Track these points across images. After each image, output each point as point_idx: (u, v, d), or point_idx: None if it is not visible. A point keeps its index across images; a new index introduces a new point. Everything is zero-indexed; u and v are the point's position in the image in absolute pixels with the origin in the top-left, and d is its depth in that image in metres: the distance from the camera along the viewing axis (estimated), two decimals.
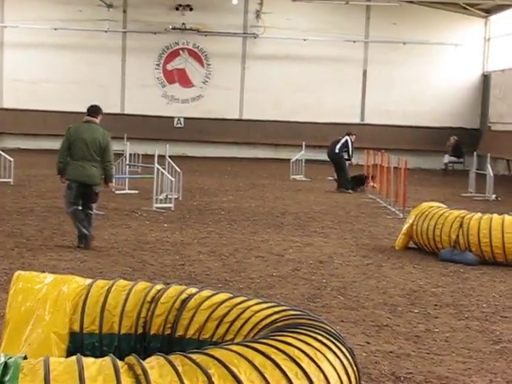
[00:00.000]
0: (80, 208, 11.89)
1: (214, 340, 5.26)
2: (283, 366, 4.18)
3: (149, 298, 5.62)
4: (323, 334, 4.74)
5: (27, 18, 33.72)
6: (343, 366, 4.56)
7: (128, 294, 5.65)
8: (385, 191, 19.47)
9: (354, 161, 23.22)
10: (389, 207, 18.21)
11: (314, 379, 4.22)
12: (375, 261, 11.63)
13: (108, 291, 5.66)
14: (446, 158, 31.39)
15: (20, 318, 5.53)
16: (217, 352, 4.20)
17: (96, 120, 11.84)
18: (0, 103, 34.71)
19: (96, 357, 4.11)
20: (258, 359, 4.17)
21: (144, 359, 4.07)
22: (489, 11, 34.07)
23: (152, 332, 5.52)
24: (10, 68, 34.34)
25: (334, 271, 10.71)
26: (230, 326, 5.27)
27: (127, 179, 19.79)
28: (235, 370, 4.03)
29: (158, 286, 5.79)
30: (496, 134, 32.59)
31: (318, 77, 34.53)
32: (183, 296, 5.59)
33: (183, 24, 34.48)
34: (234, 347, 4.31)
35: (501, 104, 32.61)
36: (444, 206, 13.08)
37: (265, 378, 4.06)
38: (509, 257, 11.44)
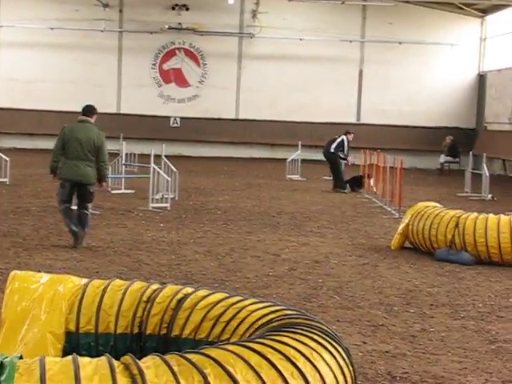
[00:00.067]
0: (72, 206, 11.94)
1: (209, 340, 5.27)
2: (279, 366, 4.18)
3: (145, 298, 5.62)
4: (319, 333, 4.75)
5: (23, 18, 33.68)
6: (339, 365, 4.56)
7: (124, 294, 5.65)
8: (381, 191, 19.48)
9: (350, 160, 23.23)
10: (385, 207, 18.22)
11: (309, 379, 4.23)
12: (371, 260, 11.64)
13: (104, 291, 5.66)
14: (442, 158, 31.41)
15: (16, 317, 5.52)
16: (213, 352, 4.20)
17: (91, 120, 11.85)
18: None
19: (92, 356, 4.11)
20: (254, 359, 4.18)
21: (140, 359, 4.07)
22: (485, 11, 34.10)
23: (148, 332, 5.52)
24: (5, 67, 34.28)
25: (330, 271, 10.72)
26: (225, 326, 5.27)
27: (123, 179, 19.78)
28: (231, 369, 4.03)
29: (154, 286, 5.79)
30: (492, 133, 32.63)
31: (314, 76, 34.54)
32: (179, 296, 5.59)
33: (179, 24, 34.47)
34: (230, 347, 4.31)
35: (497, 104, 32.64)
36: (440, 205, 13.09)
37: (261, 378, 4.06)
38: (504, 257, 11.45)
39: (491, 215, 11.82)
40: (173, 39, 34.90)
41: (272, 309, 5.26)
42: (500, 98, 32.27)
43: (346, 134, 22.92)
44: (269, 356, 4.22)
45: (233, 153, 34.51)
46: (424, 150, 34.22)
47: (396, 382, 6.25)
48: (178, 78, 35.12)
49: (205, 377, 3.94)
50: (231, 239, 13.01)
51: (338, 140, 22.71)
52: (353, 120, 34.56)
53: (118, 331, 5.54)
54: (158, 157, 17.26)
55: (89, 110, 11.94)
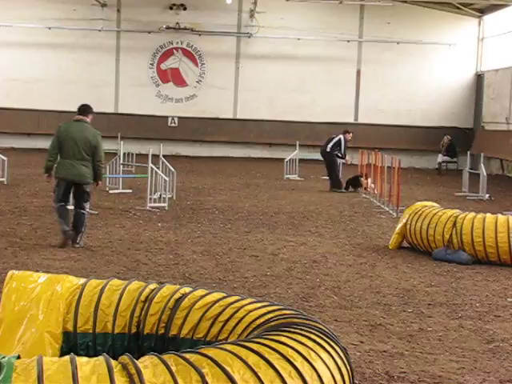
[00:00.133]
0: (67, 206, 11.97)
1: (207, 339, 5.27)
2: (277, 366, 4.19)
3: (142, 298, 5.62)
4: (317, 333, 4.75)
5: (21, 17, 33.65)
6: (337, 365, 4.57)
7: (122, 294, 5.65)
8: (378, 190, 19.49)
9: (348, 159, 23.23)
10: (382, 206, 18.23)
11: (307, 378, 4.23)
12: (369, 260, 11.64)
13: (102, 290, 5.66)
14: (440, 158, 31.42)
15: (13, 317, 5.52)
16: (210, 351, 4.20)
17: (87, 119, 11.85)
18: None
19: (90, 356, 4.11)
20: (252, 358, 4.18)
21: (138, 359, 4.07)
22: (482, 11, 34.11)
23: (146, 331, 5.53)
24: (3, 67, 34.24)
25: (328, 270, 10.72)
26: (223, 326, 5.27)
27: (121, 178, 19.78)
28: (229, 369, 4.03)
29: (152, 286, 5.79)
30: (489, 133, 32.65)
31: (312, 76, 34.54)
32: (177, 295, 5.59)
33: (177, 23, 34.46)
34: (228, 346, 4.31)
35: (494, 104, 32.67)
36: (437, 205, 13.10)
37: (258, 378, 4.06)
38: (502, 256, 11.46)
39: (489, 215, 11.83)
40: (170, 39, 34.89)
41: (270, 308, 5.27)
42: (497, 98, 32.29)
43: (344, 134, 22.92)
44: (267, 356, 4.22)
45: (230, 152, 34.52)
46: (422, 149, 34.25)
47: (394, 381, 6.25)
48: (176, 78, 35.10)
49: (202, 376, 3.94)
50: (229, 239, 13.01)
51: (335, 139, 22.72)
52: (350, 120, 34.56)
53: (116, 331, 5.54)
54: (155, 156, 17.25)
55: (84, 110, 11.94)
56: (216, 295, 5.57)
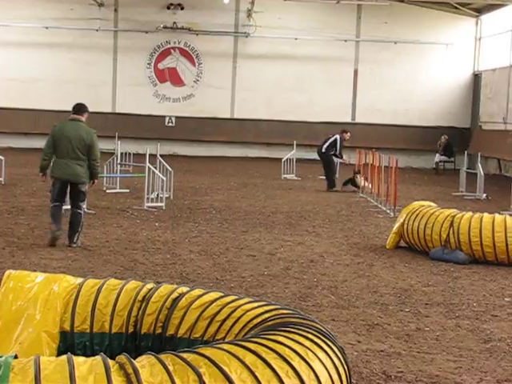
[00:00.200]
0: (63, 206, 11.96)
1: (204, 339, 5.27)
2: (274, 365, 4.19)
3: (140, 297, 5.62)
4: (314, 332, 4.75)
5: (18, 17, 33.65)
6: (334, 364, 4.57)
7: (119, 293, 5.65)
8: (376, 190, 19.49)
9: (346, 159, 23.24)
10: (380, 206, 18.23)
11: (304, 378, 4.23)
12: (366, 260, 11.65)
13: (99, 290, 5.66)
14: (437, 157, 31.44)
15: (11, 317, 5.52)
16: (208, 351, 4.20)
17: (82, 118, 11.84)
18: None
19: (87, 356, 4.11)
20: (249, 358, 4.18)
21: (135, 358, 4.07)
22: (480, 11, 34.13)
23: (143, 331, 5.53)
24: (1, 67, 34.22)
25: (325, 270, 10.73)
26: (220, 325, 5.27)
27: (118, 178, 19.77)
28: (226, 368, 4.03)
29: (149, 285, 5.79)
30: (487, 133, 32.67)
31: (310, 76, 34.55)
32: (174, 295, 5.59)
33: (174, 23, 34.46)
34: (225, 346, 4.32)
35: (491, 103, 32.69)
36: (435, 205, 13.10)
37: (256, 377, 4.07)
38: (499, 256, 11.47)
39: (486, 214, 11.83)
40: (168, 38, 34.89)
41: (267, 308, 5.27)
42: (495, 98, 32.31)
43: (341, 133, 22.92)
44: (264, 355, 4.23)
45: (228, 152, 34.52)
46: (419, 149, 34.28)
47: (391, 381, 6.25)
48: (173, 78, 35.11)
49: (200, 376, 3.94)
50: (226, 238, 13.01)
51: (331, 140, 22.73)
52: (348, 119, 34.57)
53: (113, 330, 5.54)
54: (153, 156, 17.25)
55: (79, 109, 11.94)
56: (213, 295, 5.57)
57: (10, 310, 5.54)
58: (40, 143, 31.01)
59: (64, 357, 3.89)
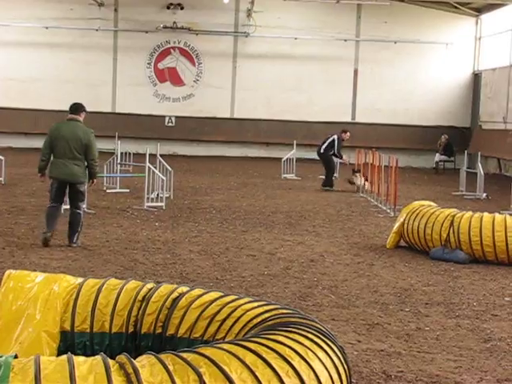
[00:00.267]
0: (61, 206, 11.97)
1: (204, 339, 5.27)
2: (274, 365, 4.19)
3: (140, 297, 5.62)
4: (314, 332, 4.75)
5: (18, 17, 33.64)
6: (334, 364, 4.57)
7: (119, 293, 5.65)
8: (376, 190, 19.49)
9: (346, 159, 23.23)
10: (380, 206, 18.23)
11: (304, 378, 4.23)
12: (366, 259, 11.65)
13: (99, 290, 5.66)
14: (437, 157, 31.43)
15: (11, 316, 5.52)
16: (208, 351, 4.20)
17: (79, 118, 11.83)
18: None
19: (87, 356, 4.11)
20: (249, 358, 4.18)
21: (135, 358, 4.07)
22: (480, 10, 34.12)
23: (143, 331, 5.53)
24: (0, 67, 34.21)
25: (325, 270, 10.72)
26: (220, 325, 5.27)
27: (118, 178, 19.77)
28: (226, 368, 4.03)
29: (149, 285, 5.79)
30: (487, 132, 32.67)
31: (309, 75, 34.54)
32: (174, 295, 5.59)
33: (174, 23, 34.44)
34: (225, 346, 4.32)
35: (491, 103, 32.68)
36: (435, 204, 13.10)
37: (256, 377, 4.07)
38: (499, 255, 11.47)
39: (486, 214, 11.83)
40: (168, 38, 34.88)
41: (267, 308, 5.27)
42: (495, 97, 32.31)
43: (341, 133, 22.92)
44: (264, 355, 4.23)
45: (228, 152, 34.51)
46: (419, 148, 34.26)
47: (391, 380, 6.25)
48: (173, 77, 35.10)
49: (200, 376, 3.94)
50: (226, 238, 13.01)
51: (329, 140, 22.72)
52: (348, 119, 34.56)
53: (113, 330, 5.54)
54: (153, 156, 17.25)
55: (76, 108, 11.93)
56: (213, 294, 5.57)
57: (10, 309, 5.54)
58: (40, 143, 30.99)
59: (64, 356, 3.89)
